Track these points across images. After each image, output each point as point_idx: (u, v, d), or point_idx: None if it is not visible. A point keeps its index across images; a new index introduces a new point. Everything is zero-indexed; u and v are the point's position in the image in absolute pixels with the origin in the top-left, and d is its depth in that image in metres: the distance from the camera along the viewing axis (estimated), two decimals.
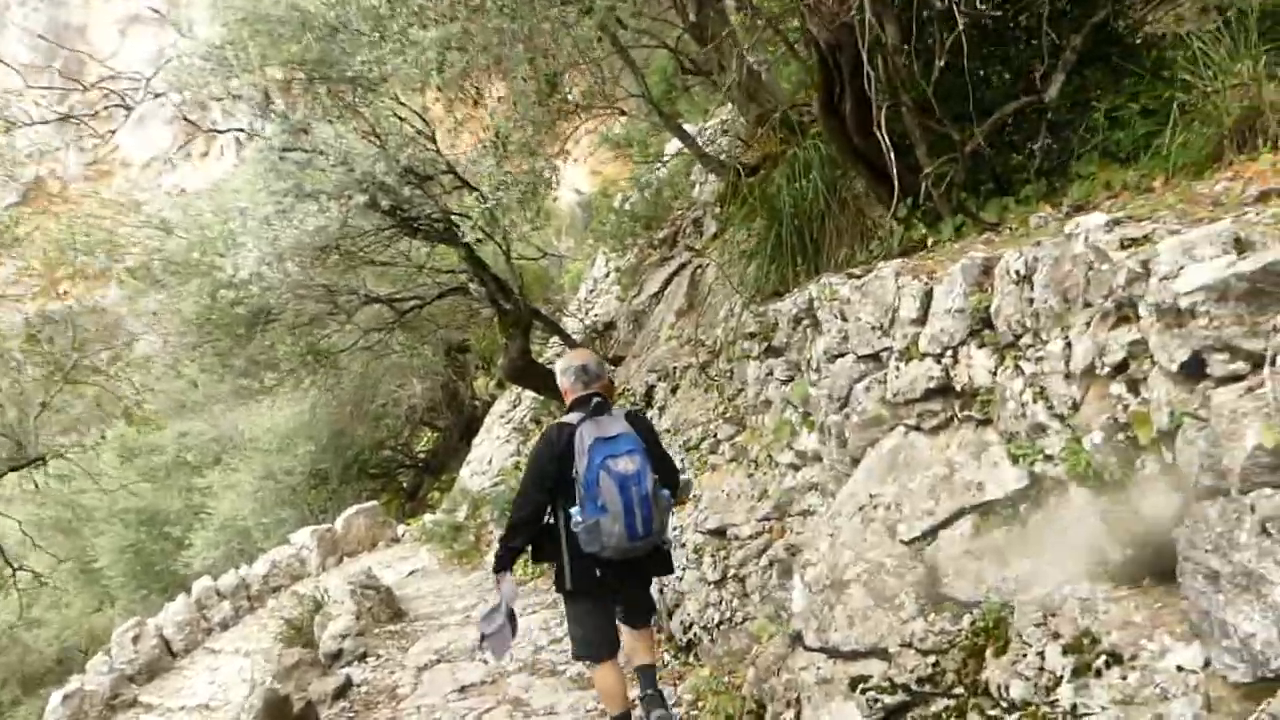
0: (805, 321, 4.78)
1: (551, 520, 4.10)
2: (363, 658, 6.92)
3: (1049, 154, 4.89)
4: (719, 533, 5.55)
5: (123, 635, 13.40)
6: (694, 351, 10.54)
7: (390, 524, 17.46)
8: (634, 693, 4.42)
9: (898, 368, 3.56)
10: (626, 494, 3.80)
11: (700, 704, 4.70)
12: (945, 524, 3.19)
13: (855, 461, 3.84)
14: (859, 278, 3.95)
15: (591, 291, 19.31)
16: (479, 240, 12.52)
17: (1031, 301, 2.98)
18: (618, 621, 4.30)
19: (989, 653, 2.84)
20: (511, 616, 4.14)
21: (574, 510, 3.89)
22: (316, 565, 15.77)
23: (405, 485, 22.45)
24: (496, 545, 4.37)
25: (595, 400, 4.04)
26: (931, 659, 2.98)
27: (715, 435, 6.69)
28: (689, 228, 14.15)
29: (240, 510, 18.39)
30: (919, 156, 5.09)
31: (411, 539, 16.36)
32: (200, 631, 14.22)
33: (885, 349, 3.69)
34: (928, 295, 3.43)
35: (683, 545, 6.00)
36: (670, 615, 5.80)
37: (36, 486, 21.08)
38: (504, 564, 4.19)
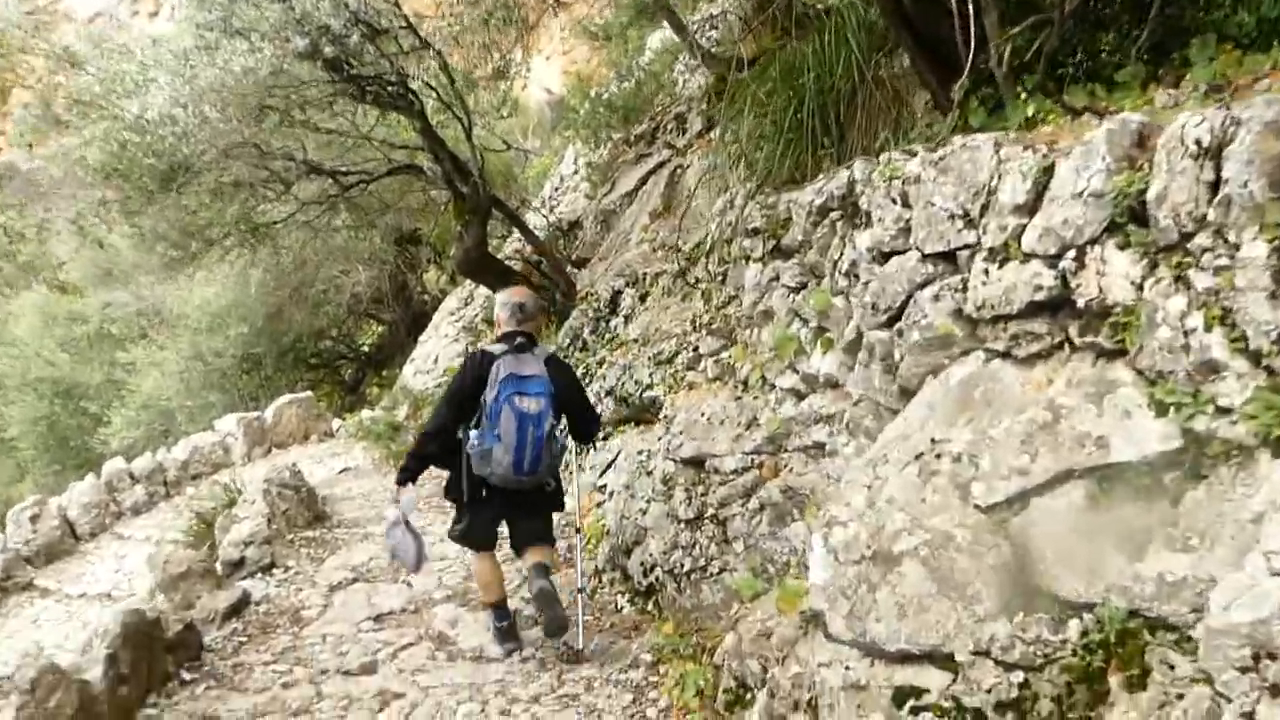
0: (835, 213, 3.82)
1: (458, 436, 4.31)
2: (268, 569, 5.98)
3: (1153, 32, 3.93)
4: (696, 463, 4.65)
5: (19, 514, 12.31)
6: (669, 257, 9.56)
7: (325, 417, 16.41)
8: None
9: (986, 271, 2.63)
10: (523, 431, 4.09)
11: (662, 668, 3.87)
12: (1044, 489, 2.31)
13: (907, 393, 2.93)
14: (934, 150, 2.98)
15: (557, 189, 18.09)
16: (440, 121, 11.31)
17: (1216, 185, 2.06)
18: (512, 548, 4.63)
19: (1115, 682, 1.98)
20: (410, 527, 4.47)
21: (473, 433, 4.17)
22: (242, 455, 14.73)
23: (346, 378, 21.35)
24: (403, 458, 4.62)
25: (519, 339, 4.31)
26: (1018, 676, 2.12)
27: (695, 349, 5.75)
28: (670, 124, 13.01)
29: (164, 390, 17.16)
30: (985, 26, 4.08)
31: (347, 435, 15.36)
32: (109, 515, 13.17)
33: (967, 245, 2.74)
34: (1046, 172, 2.48)
35: (649, 473, 5.12)
36: (629, 552, 4.94)
37: None
38: (408, 475, 4.47)
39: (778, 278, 4.52)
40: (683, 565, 4.32)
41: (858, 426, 3.21)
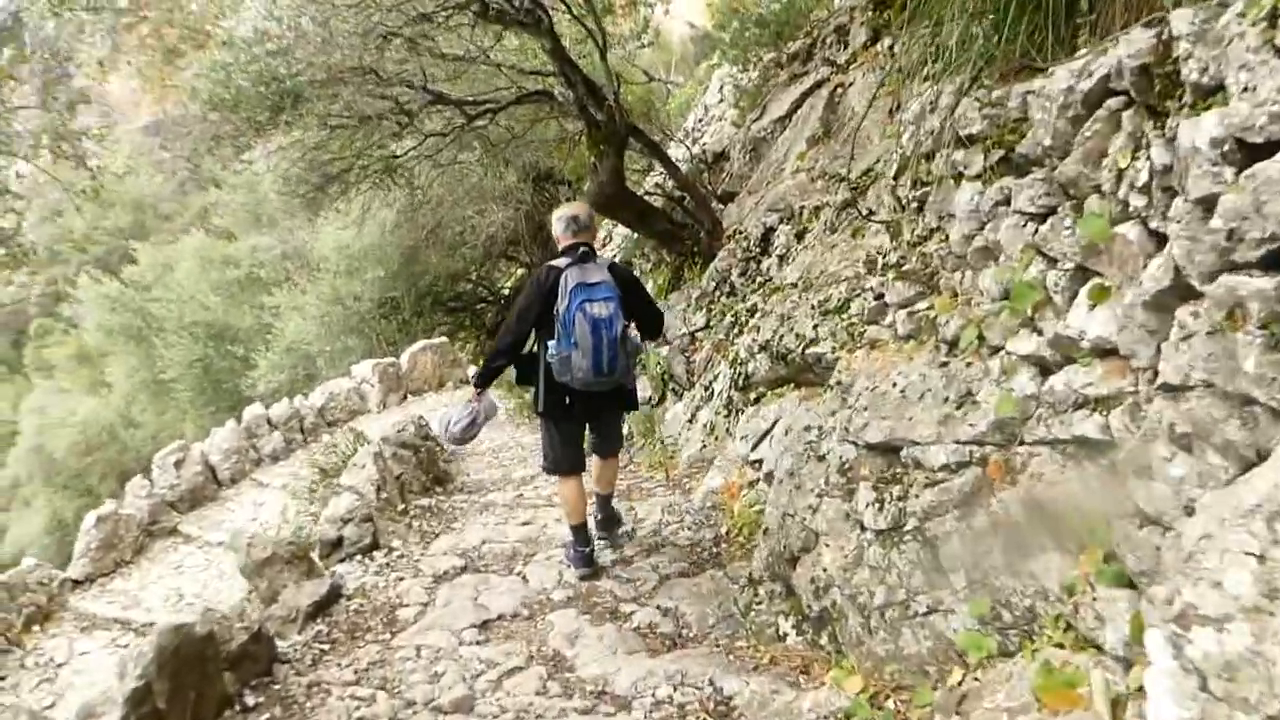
0: (1118, 99, 2.55)
1: (535, 350, 4.58)
2: (369, 551, 5.22)
3: None
4: (889, 450, 3.50)
5: (165, 459, 12.30)
6: (830, 187, 8.28)
7: (460, 363, 15.96)
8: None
9: None
10: (597, 334, 4.26)
11: None
12: None
13: None
14: None
15: (701, 120, 16.85)
16: (577, 51, 10.25)
17: None
18: (589, 451, 4.92)
19: None
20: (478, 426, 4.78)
21: (551, 343, 4.39)
22: (377, 402, 14.43)
23: (486, 322, 20.92)
24: (480, 366, 4.90)
25: (582, 249, 4.48)
26: None
27: (879, 296, 4.54)
28: (829, 38, 11.54)
29: (306, 334, 17.11)
30: None
31: None
32: (248, 462, 13.08)
33: None
34: None
35: (820, 457, 4.00)
36: (794, 561, 3.85)
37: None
38: (484, 381, 4.73)
39: (1007, 201, 3.28)
40: (872, 593, 3.20)
41: (1204, 435, 1.97)
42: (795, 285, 6.50)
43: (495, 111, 9.77)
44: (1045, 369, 2.96)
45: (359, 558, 5.11)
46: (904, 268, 4.24)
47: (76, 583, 10.37)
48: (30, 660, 8.99)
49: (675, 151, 13.41)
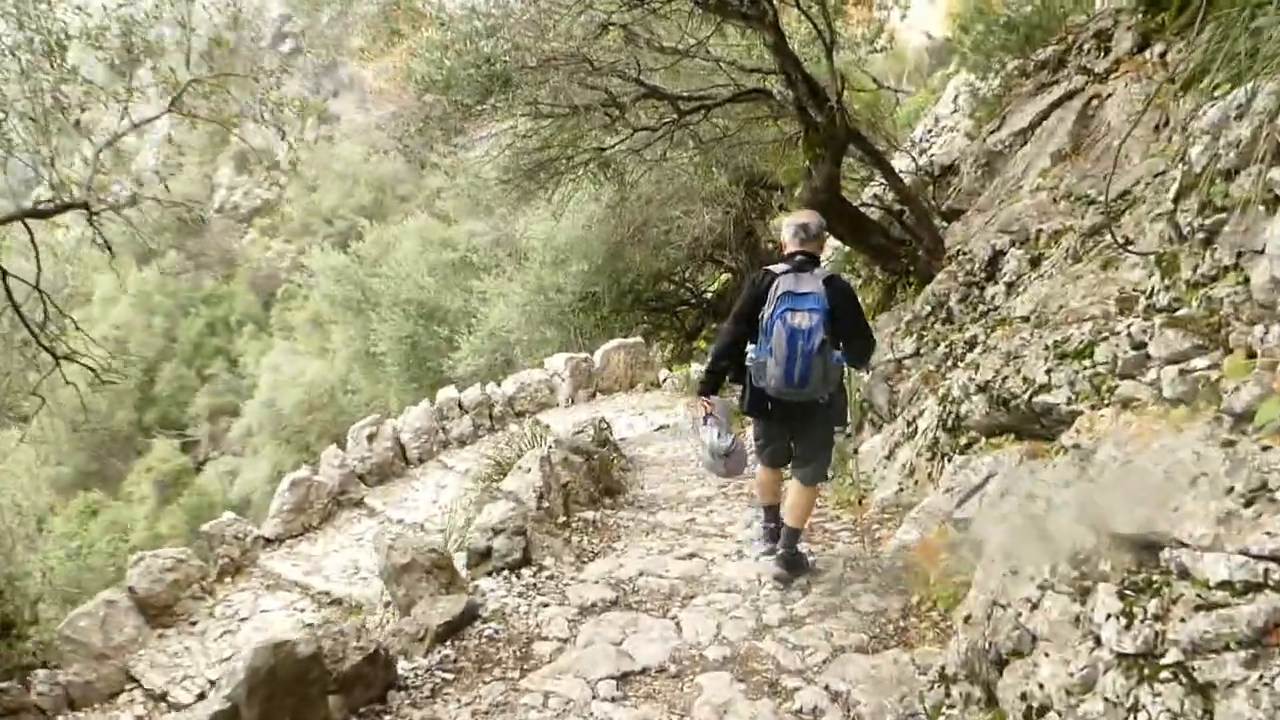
0: None
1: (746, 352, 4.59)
2: (517, 567, 4.85)
3: None
4: (1144, 547, 2.72)
5: (359, 431, 12.73)
6: (1076, 210, 7.26)
7: (653, 365, 15.67)
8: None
9: None
10: (792, 345, 4.23)
11: None
12: None
13: None
14: None
15: (930, 130, 15.76)
16: (800, 47, 9.63)
17: None
18: (788, 474, 4.90)
19: None
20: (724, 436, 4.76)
21: (751, 347, 4.49)
22: (566, 397, 14.36)
23: (686, 325, 20.58)
24: (701, 373, 4.94)
25: (799, 257, 4.48)
26: None
27: (1139, 346, 3.69)
28: (1087, 44, 10.32)
29: (507, 321, 17.40)
30: None
31: (673, 387, 14.48)
32: (437, 443, 13.33)
33: None
34: None
35: (1045, 538, 3.22)
36: (1001, 665, 3.11)
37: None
38: (709, 388, 4.75)
39: None
40: None
41: None
42: (1026, 319, 5.62)
43: (709, 108, 9.29)
44: None
45: (505, 573, 4.74)
46: (1178, 313, 3.38)
47: (267, 541, 10.84)
48: (219, 610, 9.41)
49: (899, 162, 12.49)
